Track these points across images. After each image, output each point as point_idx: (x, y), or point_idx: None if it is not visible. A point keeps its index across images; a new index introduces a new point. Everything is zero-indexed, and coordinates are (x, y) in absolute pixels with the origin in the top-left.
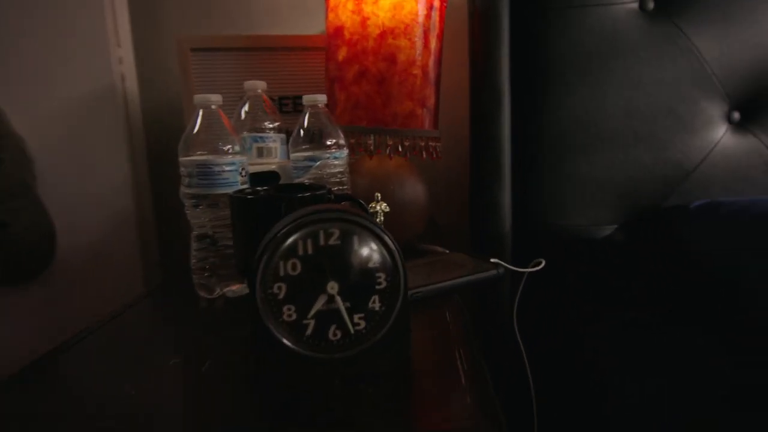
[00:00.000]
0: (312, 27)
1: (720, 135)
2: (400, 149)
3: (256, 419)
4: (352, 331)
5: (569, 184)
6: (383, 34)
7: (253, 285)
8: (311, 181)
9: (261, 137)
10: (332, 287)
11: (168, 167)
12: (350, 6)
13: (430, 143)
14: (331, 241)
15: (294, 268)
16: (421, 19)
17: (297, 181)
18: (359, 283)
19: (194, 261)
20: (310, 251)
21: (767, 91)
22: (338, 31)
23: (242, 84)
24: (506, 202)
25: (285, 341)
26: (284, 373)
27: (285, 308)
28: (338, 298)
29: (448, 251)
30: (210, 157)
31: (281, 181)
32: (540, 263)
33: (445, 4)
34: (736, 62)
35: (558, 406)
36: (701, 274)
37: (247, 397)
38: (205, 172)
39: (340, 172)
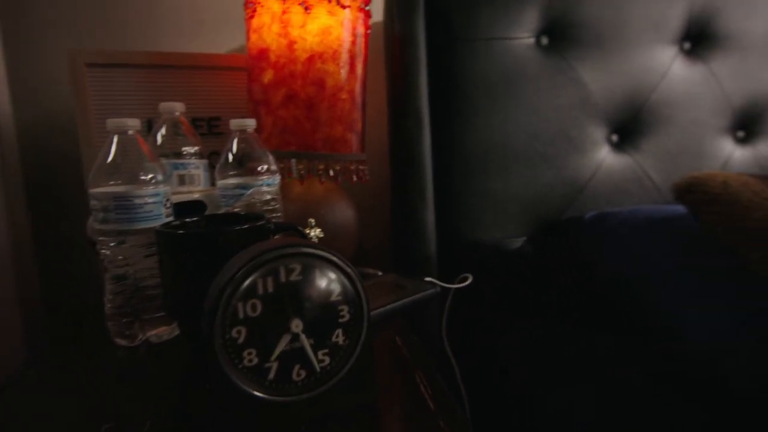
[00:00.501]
0: (220, 45)
1: (604, 155)
2: (331, 174)
3: None
4: (318, 369)
5: (483, 201)
6: (311, 59)
7: (210, 331)
8: (241, 209)
9: (182, 164)
10: (296, 325)
11: (53, 200)
12: (276, 29)
13: (360, 167)
14: (293, 277)
15: (254, 309)
16: (347, 45)
17: (226, 210)
18: (322, 318)
19: (110, 306)
20: (270, 289)
21: (637, 117)
22: (263, 53)
23: (146, 104)
24: (431, 221)
25: (247, 389)
26: (250, 422)
27: (245, 353)
28: (303, 336)
29: (380, 273)
30: (129, 188)
31: (208, 211)
32: (467, 279)
33: (368, 31)
34: (613, 92)
35: (490, 421)
36: (596, 279)
37: None
38: (125, 205)
39: (273, 199)
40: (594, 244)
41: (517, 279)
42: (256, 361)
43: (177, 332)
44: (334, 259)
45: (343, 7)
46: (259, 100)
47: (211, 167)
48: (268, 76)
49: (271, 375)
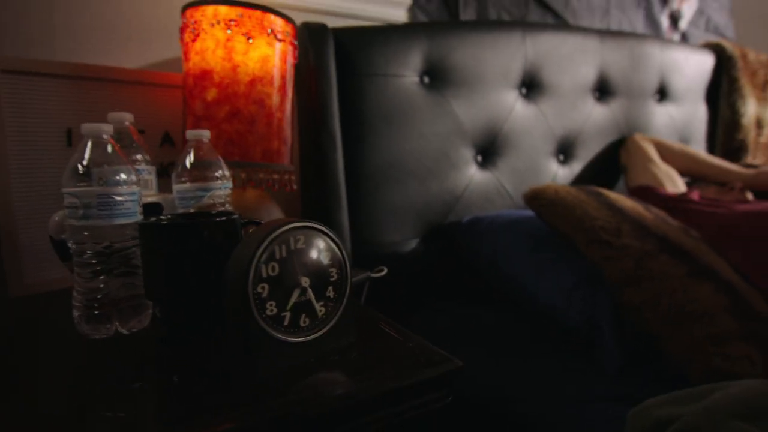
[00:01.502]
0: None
1: (473, 171)
2: (270, 182)
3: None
4: (319, 316)
5: (385, 209)
6: (253, 82)
7: (244, 288)
8: (202, 209)
9: (137, 170)
10: (305, 281)
11: None
12: (220, 53)
13: (291, 177)
14: (299, 245)
15: (273, 269)
16: (282, 72)
17: (182, 211)
18: (320, 277)
19: (79, 297)
20: (284, 254)
21: (494, 142)
22: (206, 73)
23: (67, 114)
24: (346, 225)
25: (271, 331)
26: (275, 358)
27: (268, 304)
28: (309, 290)
29: None
30: (111, 188)
31: (165, 212)
32: (382, 270)
33: (296, 62)
34: (477, 122)
35: None
36: (476, 266)
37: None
38: (107, 203)
39: (227, 202)
40: (473, 239)
41: (415, 271)
42: (275, 311)
43: (147, 322)
44: (327, 231)
45: (279, 40)
46: (202, 115)
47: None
48: (211, 94)
49: (286, 322)
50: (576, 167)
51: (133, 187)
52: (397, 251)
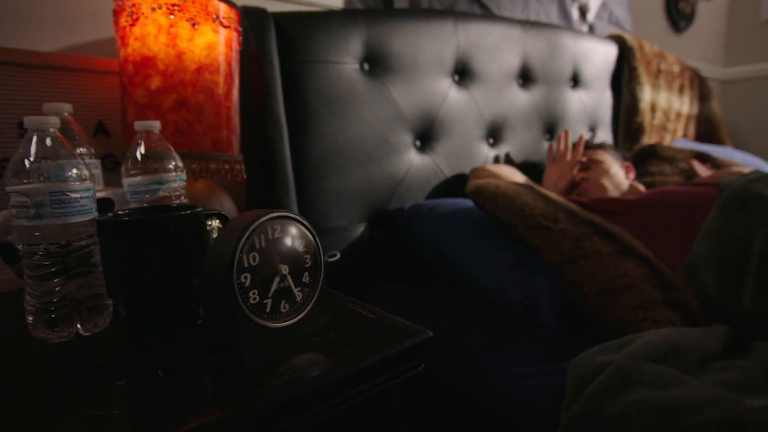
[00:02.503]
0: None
1: (413, 156)
2: (222, 172)
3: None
4: (298, 301)
5: (331, 195)
6: (200, 69)
7: (229, 279)
8: (150, 204)
9: (78, 163)
10: (284, 269)
11: None
12: (163, 39)
13: (241, 166)
14: (276, 235)
15: (254, 259)
16: (228, 59)
17: (135, 205)
18: (296, 263)
19: (33, 300)
20: (264, 244)
21: (431, 127)
22: (149, 60)
23: None
24: (294, 211)
25: (254, 318)
26: (260, 344)
27: (251, 293)
28: (289, 277)
29: None
30: (65, 184)
31: (116, 207)
32: (336, 255)
33: (241, 49)
34: (415, 108)
35: None
36: (417, 253)
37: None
38: (62, 200)
39: (181, 194)
40: (415, 226)
41: (362, 254)
42: (257, 299)
43: (108, 322)
44: (301, 219)
45: (224, 26)
46: (145, 104)
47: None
48: (155, 82)
49: (268, 309)
50: (504, 148)
51: (87, 183)
52: (344, 236)
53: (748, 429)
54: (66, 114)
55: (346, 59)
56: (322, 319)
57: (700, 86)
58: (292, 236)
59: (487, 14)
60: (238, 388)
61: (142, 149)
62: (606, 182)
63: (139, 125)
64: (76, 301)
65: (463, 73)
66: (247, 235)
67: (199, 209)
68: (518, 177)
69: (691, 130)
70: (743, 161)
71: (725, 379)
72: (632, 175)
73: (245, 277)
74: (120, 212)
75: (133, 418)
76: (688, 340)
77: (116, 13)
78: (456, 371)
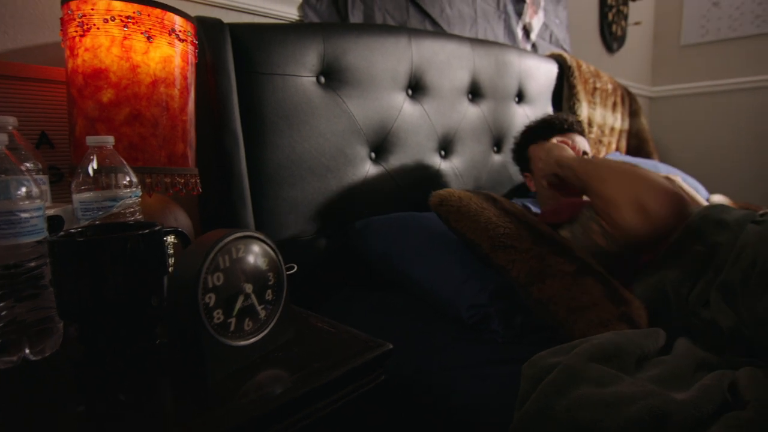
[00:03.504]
0: None
1: (368, 167)
2: (178, 186)
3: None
4: (262, 318)
5: (288, 206)
6: (155, 83)
7: (194, 300)
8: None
9: (27, 180)
10: (249, 287)
11: None
12: (116, 51)
13: (197, 180)
14: (240, 254)
15: (219, 279)
16: (184, 72)
17: (87, 223)
18: (260, 281)
19: None
20: (228, 264)
21: (386, 139)
22: (100, 72)
23: None
24: (252, 224)
25: (219, 338)
26: (225, 363)
27: (215, 313)
28: (253, 295)
29: None
30: (15, 203)
31: (66, 225)
32: (293, 267)
33: (197, 61)
34: (370, 121)
35: None
36: (371, 267)
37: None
38: (11, 221)
39: (136, 210)
40: (366, 241)
41: (319, 265)
42: (222, 318)
43: (58, 345)
44: (264, 238)
45: (181, 40)
46: (96, 117)
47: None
48: (107, 95)
49: (232, 327)
50: (455, 161)
51: (38, 202)
52: (301, 247)
53: (672, 417)
54: (10, 128)
55: (303, 72)
56: (285, 334)
57: (630, 103)
58: (255, 254)
59: (439, 31)
60: (204, 409)
61: (94, 164)
62: None
63: (91, 140)
64: (25, 325)
65: (416, 88)
66: (212, 256)
67: (158, 227)
68: None
69: (623, 144)
70: (667, 173)
71: (655, 374)
72: None
73: (210, 297)
74: (73, 231)
75: None
76: (629, 342)
77: (64, 22)
78: (414, 376)
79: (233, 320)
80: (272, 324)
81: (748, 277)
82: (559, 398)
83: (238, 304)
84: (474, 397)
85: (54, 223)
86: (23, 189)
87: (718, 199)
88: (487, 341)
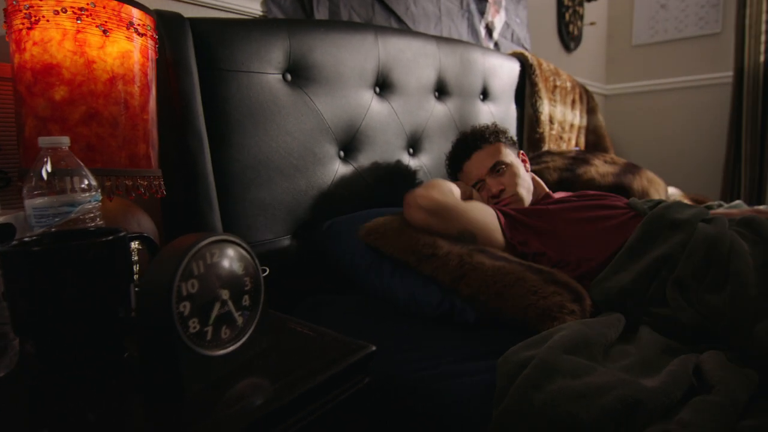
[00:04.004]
0: None
1: (337, 166)
2: (141, 189)
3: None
4: (240, 325)
5: (256, 208)
6: (113, 80)
7: (167, 309)
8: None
9: None
10: (225, 294)
11: None
12: (69, 46)
13: (160, 182)
14: (215, 259)
15: (193, 286)
16: (144, 68)
17: (42, 230)
18: (236, 287)
19: None
20: (202, 270)
21: (354, 137)
22: (51, 68)
23: None
24: (219, 227)
25: (195, 348)
26: (202, 374)
27: (190, 322)
28: (230, 302)
29: None
30: None
31: (18, 233)
32: (265, 270)
33: (157, 57)
34: (339, 120)
35: None
36: (339, 269)
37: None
38: None
39: (96, 216)
40: (334, 243)
41: (290, 268)
42: (198, 327)
43: (14, 363)
44: (239, 242)
45: (140, 34)
46: (47, 116)
47: None
48: (60, 92)
49: (209, 336)
50: (423, 159)
51: None
52: (271, 249)
53: (644, 405)
54: None
55: (268, 69)
56: (264, 341)
57: (588, 100)
58: (231, 259)
59: (404, 29)
60: (180, 426)
61: (48, 167)
62: (522, 191)
63: (44, 141)
64: None
65: (383, 86)
66: (185, 262)
67: (122, 233)
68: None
69: (582, 140)
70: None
71: (625, 364)
72: (528, 166)
73: (184, 306)
74: (27, 240)
75: None
76: (595, 332)
77: (8, 14)
78: (394, 375)
79: (210, 329)
80: (250, 331)
81: (702, 274)
82: (536, 393)
83: (215, 312)
84: (453, 395)
85: (4, 231)
86: None
87: (673, 191)
88: (465, 338)
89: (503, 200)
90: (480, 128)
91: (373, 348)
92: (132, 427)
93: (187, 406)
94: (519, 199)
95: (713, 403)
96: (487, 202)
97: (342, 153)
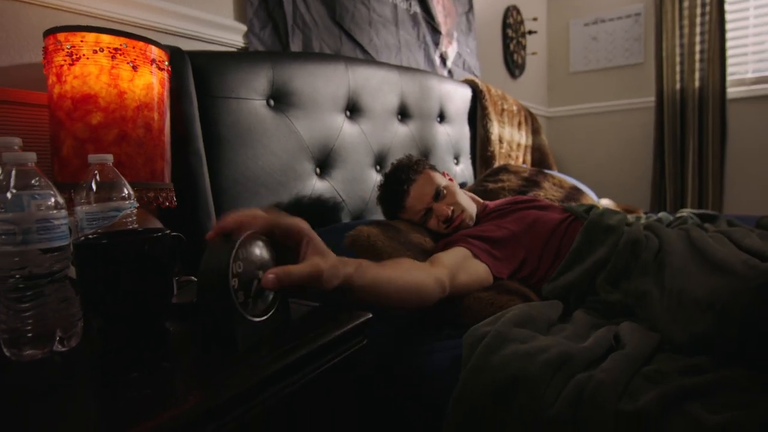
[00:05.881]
0: None
1: (315, 182)
2: (160, 200)
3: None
4: (269, 300)
5: None
6: (140, 107)
7: (225, 282)
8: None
9: (38, 194)
10: (260, 274)
11: None
12: (105, 79)
13: (173, 194)
14: (250, 248)
15: (240, 266)
16: (162, 97)
17: (89, 233)
18: (265, 269)
19: (10, 321)
20: (245, 255)
21: (329, 156)
22: (89, 98)
23: None
24: None
25: (245, 314)
26: (249, 334)
27: (239, 294)
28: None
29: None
30: (49, 212)
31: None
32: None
33: (169, 86)
34: (316, 140)
35: None
36: None
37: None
38: (47, 227)
39: (133, 220)
40: None
41: None
42: (243, 298)
43: (79, 338)
44: (264, 237)
45: (160, 69)
46: (86, 138)
47: None
48: (96, 118)
49: (250, 306)
50: None
51: (63, 211)
52: None
53: (575, 358)
54: (16, 148)
55: (255, 96)
56: (285, 313)
57: (532, 122)
58: (261, 248)
59: (369, 59)
60: (237, 366)
61: (97, 178)
62: (468, 206)
63: (93, 158)
64: (53, 321)
65: (353, 110)
66: (237, 247)
67: (167, 232)
68: None
69: (528, 158)
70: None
71: (563, 335)
72: (455, 182)
73: (235, 281)
74: (90, 236)
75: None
76: (538, 312)
77: (50, 52)
78: (387, 352)
79: (250, 301)
80: (277, 304)
81: (629, 267)
82: (493, 355)
83: (254, 288)
84: (432, 367)
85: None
86: (52, 200)
87: (606, 202)
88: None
89: (456, 219)
90: (405, 162)
91: (370, 315)
92: (182, 372)
93: (239, 356)
94: (469, 214)
95: (624, 355)
96: (439, 227)
97: (318, 170)
